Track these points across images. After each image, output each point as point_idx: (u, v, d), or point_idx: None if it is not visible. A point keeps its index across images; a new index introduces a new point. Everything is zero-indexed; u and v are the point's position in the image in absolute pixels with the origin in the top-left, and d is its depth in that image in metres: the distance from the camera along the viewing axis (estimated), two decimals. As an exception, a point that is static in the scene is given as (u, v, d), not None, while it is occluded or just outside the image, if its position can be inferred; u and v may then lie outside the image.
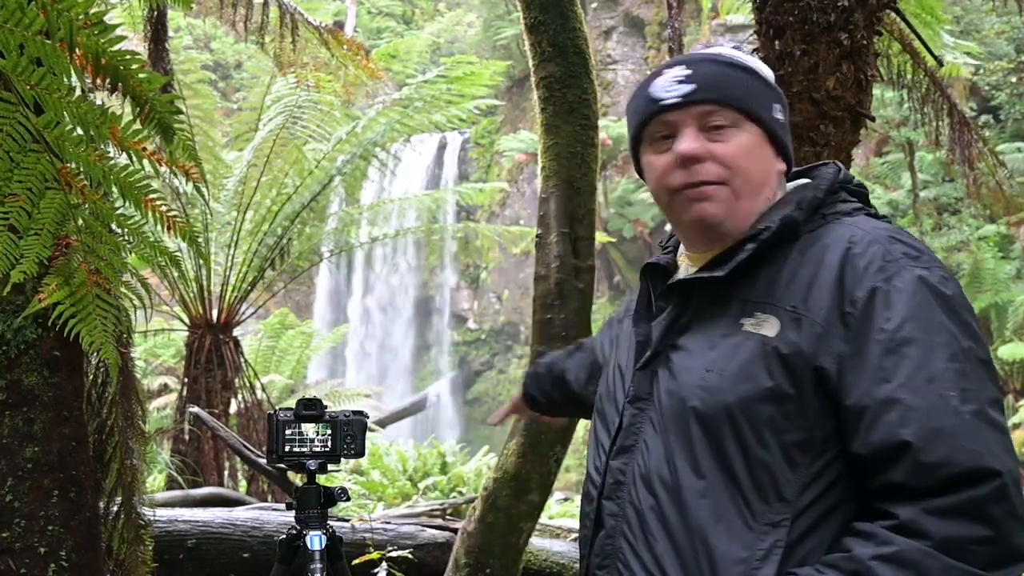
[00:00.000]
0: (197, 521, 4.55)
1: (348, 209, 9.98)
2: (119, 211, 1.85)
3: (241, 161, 8.92)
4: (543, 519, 5.12)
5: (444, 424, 21.35)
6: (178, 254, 2.65)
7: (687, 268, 1.47)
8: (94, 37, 1.49)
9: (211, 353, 8.09)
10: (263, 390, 8.94)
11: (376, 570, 4.30)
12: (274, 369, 12.95)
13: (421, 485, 9.22)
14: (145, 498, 3.21)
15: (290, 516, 2.37)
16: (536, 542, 4.67)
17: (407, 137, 8.89)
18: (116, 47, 1.51)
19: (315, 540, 2.25)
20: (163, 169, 1.66)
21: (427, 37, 21.99)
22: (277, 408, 2.39)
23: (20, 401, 2.70)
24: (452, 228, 11.05)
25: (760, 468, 1.25)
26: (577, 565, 2.85)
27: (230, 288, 8.50)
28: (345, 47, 7.04)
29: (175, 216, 1.78)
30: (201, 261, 7.96)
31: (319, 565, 2.22)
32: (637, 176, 1.53)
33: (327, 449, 2.30)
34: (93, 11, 1.48)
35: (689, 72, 1.37)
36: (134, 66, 1.53)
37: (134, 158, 1.64)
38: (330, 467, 2.34)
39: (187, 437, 7.77)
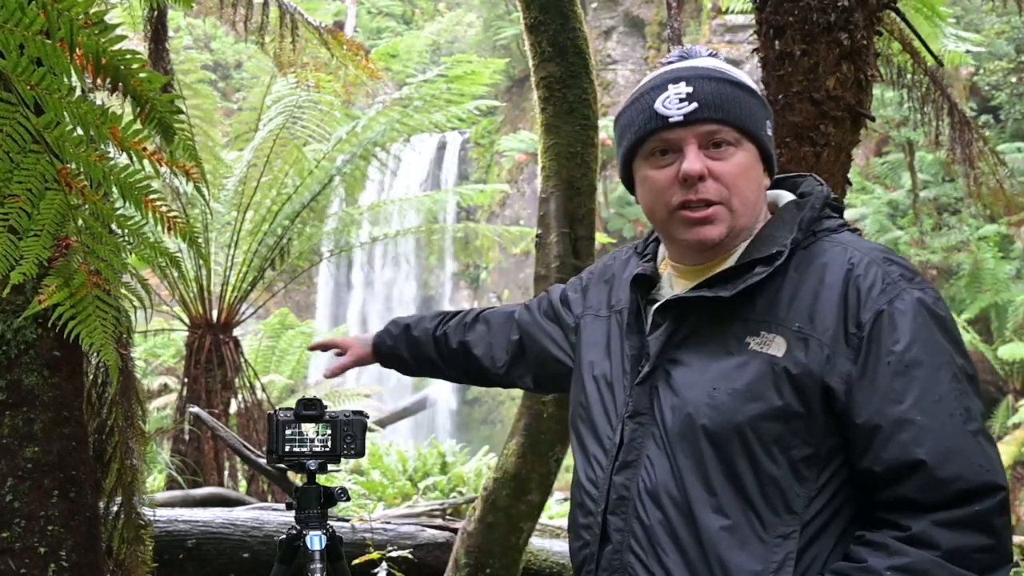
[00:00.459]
0: (197, 521, 4.55)
1: (348, 209, 9.98)
2: (119, 212, 1.85)
3: (241, 161, 8.92)
4: (543, 519, 5.13)
5: (443, 424, 21.35)
6: (178, 255, 2.65)
7: (671, 277, 1.49)
8: (94, 37, 1.49)
9: (211, 353, 8.09)
10: (263, 390, 8.94)
11: (376, 570, 4.30)
12: (274, 369, 12.95)
13: (421, 485, 9.22)
14: (145, 498, 3.21)
15: (290, 516, 2.37)
16: (536, 542, 4.67)
17: (407, 137, 8.88)
18: (116, 47, 1.51)
19: (315, 540, 2.25)
20: (163, 169, 1.66)
21: (427, 37, 21.96)
22: (277, 408, 2.39)
23: (20, 401, 2.70)
24: (452, 228, 11.05)
25: (770, 483, 1.29)
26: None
27: (230, 288, 8.51)
28: (345, 47, 7.03)
29: (175, 217, 1.78)
30: (201, 261, 7.96)
31: (319, 565, 2.22)
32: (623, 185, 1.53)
33: (327, 449, 2.30)
34: (93, 11, 1.48)
35: (691, 90, 1.38)
36: (134, 66, 1.53)
37: (134, 158, 1.64)
38: (330, 467, 2.34)
39: (187, 437, 7.78)
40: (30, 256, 1.73)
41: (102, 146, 1.69)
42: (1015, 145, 15.67)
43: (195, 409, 6.03)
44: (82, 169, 1.71)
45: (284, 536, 2.33)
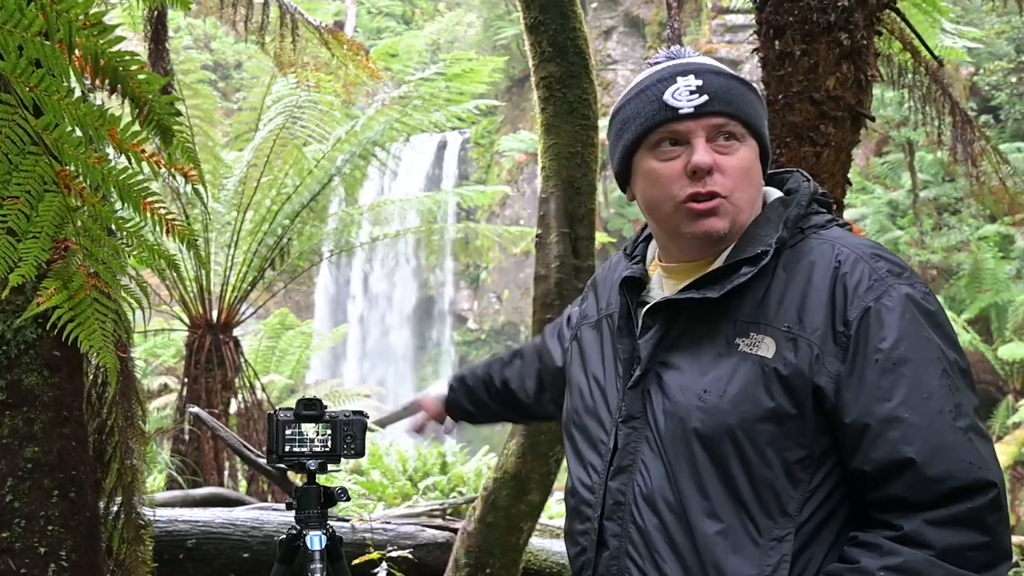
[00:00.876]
0: (197, 521, 4.55)
1: (348, 209, 9.98)
2: (118, 214, 1.85)
3: (241, 161, 8.92)
4: (543, 519, 5.12)
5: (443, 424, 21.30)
6: (177, 256, 2.65)
7: (660, 279, 1.47)
8: (93, 38, 1.48)
9: (211, 353, 8.09)
10: (263, 390, 8.94)
11: (376, 570, 4.30)
12: (274, 369, 12.94)
13: (421, 485, 9.22)
14: (145, 498, 3.21)
15: (290, 516, 2.37)
16: (536, 542, 4.66)
17: (407, 137, 8.88)
18: (116, 48, 1.50)
19: (315, 540, 2.25)
20: (162, 170, 1.66)
21: (427, 37, 21.95)
22: (277, 408, 2.38)
23: (20, 401, 2.71)
24: (452, 228, 11.05)
25: (764, 486, 1.28)
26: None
27: (230, 288, 8.51)
28: (345, 47, 7.03)
29: (174, 219, 1.78)
30: (200, 264, 7.96)
31: (319, 565, 2.22)
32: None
33: (327, 449, 2.30)
34: (93, 12, 1.48)
35: (701, 83, 1.38)
36: (133, 67, 1.53)
37: (133, 160, 1.64)
38: (330, 467, 2.34)
39: (187, 437, 7.78)
40: (29, 258, 1.73)
41: (101, 148, 1.69)
42: (1015, 145, 15.67)
43: (195, 409, 6.02)
44: (81, 171, 1.71)
45: (284, 536, 2.33)
